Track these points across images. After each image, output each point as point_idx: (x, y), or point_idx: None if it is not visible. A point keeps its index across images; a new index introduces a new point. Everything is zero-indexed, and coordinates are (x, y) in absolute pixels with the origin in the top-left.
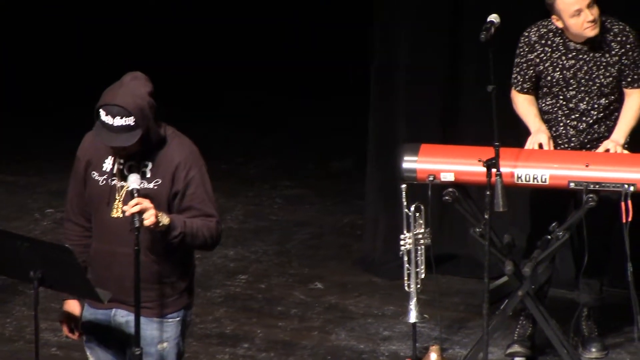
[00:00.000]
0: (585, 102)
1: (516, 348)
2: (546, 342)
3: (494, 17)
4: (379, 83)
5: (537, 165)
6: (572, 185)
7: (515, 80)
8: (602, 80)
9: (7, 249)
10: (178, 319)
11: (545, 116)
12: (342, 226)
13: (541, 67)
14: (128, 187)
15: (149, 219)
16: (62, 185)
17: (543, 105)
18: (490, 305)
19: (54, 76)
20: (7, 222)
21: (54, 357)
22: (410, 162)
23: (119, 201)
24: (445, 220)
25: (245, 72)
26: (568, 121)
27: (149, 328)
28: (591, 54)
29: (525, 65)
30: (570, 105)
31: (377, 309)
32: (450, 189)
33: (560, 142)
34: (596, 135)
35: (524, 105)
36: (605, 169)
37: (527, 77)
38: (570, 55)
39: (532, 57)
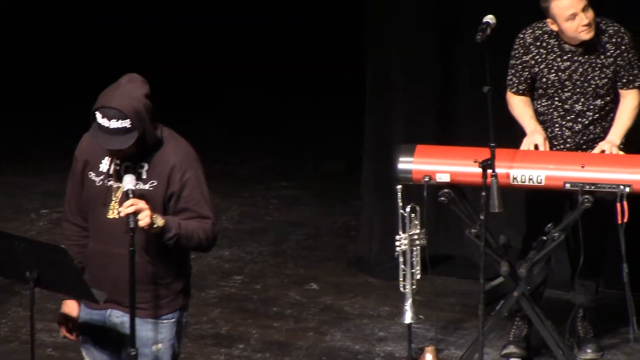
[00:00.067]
0: (580, 104)
1: (512, 349)
2: (542, 343)
3: (489, 18)
4: (374, 84)
5: (532, 166)
6: (567, 186)
7: (511, 82)
8: (598, 81)
9: (3, 249)
10: (173, 320)
11: (540, 117)
12: (337, 227)
13: (536, 69)
14: (123, 188)
15: (143, 219)
16: (58, 185)
17: (538, 106)
18: (485, 306)
19: (54, 76)
20: (3, 223)
21: (50, 357)
22: (405, 163)
23: (115, 202)
24: (441, 221)
25: (244, 72)
26: (564, 122)
27: (144, 329)
28: (586, 56)
29: (520, 67)
30: (566, 106)
31: (373, 310)
32: (445, 190)
33: (555, 143)
34: (592, 136)
35: (520, 107)
36: (601, 170)
37: (522, 78)
38: (565, 57)
39: (527, 59)
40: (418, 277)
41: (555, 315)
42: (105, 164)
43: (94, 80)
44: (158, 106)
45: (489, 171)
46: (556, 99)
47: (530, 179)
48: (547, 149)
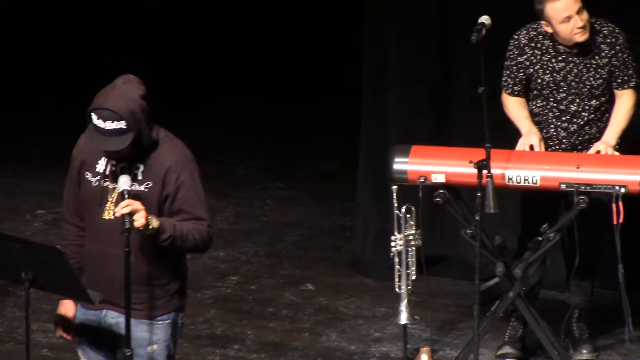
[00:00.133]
0: (575, 104)
1: (507, 349)
2: (537, 343)
3: (485, 19)
4: (370, 84)
5: (528, 167)
6: (563, 186)
7: (506, 83)
8: (593, 82)
9: None
10: (168, 321)
11: (535, 118)
12: (332, 227)
13: (531, 70)
14: (119, 189)
15: (139, 220)
16: (54, 186)
17: (534, 107)
18: (481, 307)
19: (54, 76)
20: None
21: (45, 358)
22: (401, 164)
23: (111, 203)
24: (436, 222)
25: (243, 72)
26: (559, 123)
27: (139, 330)
28: (581, 57)
29: (515, 68)
30: (561, 107)
31: (368, 310)
32: (441, 191)
33: (551, 143)
34: (587, 136)
35: (515, 108)
36: (596, 170)
37: (517, 79)
38: (560, 58)
39: (522, 59)
40: (413, 277)
41: (550, 315)
42: (101, 165)
43: (94, 80)
44: (157, 106)
45: (485, 172)
46: (551, 99)
47: (525, 180)
48: (543, 149)
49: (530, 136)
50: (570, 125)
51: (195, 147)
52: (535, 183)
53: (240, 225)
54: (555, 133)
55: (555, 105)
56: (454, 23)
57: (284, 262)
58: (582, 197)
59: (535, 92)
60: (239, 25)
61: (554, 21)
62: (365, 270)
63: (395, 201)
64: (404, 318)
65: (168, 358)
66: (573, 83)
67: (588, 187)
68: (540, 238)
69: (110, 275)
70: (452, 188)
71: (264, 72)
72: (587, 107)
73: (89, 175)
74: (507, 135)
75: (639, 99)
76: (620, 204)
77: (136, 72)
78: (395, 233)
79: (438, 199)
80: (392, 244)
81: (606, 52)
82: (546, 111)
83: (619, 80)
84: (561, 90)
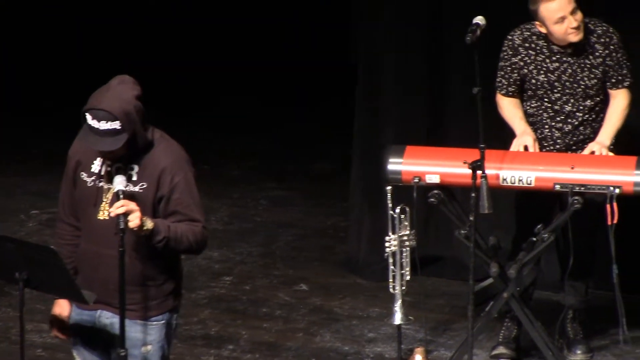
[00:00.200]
0: (570, 104)
1: (501, 350)
2: (531, 344)
3: (479, 20)
4: (364, 84)
5: (522, 167)
6: (557, 187)
7: (500, 84)
8: (587, 82)
9: None
10: (163, 322)
11: (530, 119)
12: (326, 228)
13: (525, 70)
14: (114, 189)
15: (133, 221)
16: (47, 186)
17: (528, 107)
18: (475, 307)
19: (54, 76)
20: None
21: (39, 358)
22: (395, 164)
23: (106, 203)
24: (431, 222)
25: (243, 72)
26: (553, 123)
27: (133, 330)
28: (575, 57)
29: (509, 68)
30: (555, 107)
31: (362, 311)
32: (435, 191)
33: (545, 144)
34: (582, 137)
35: (509, 108)
36: (591, 171)
37: (511, 80)
38: (554, 58)
39: (516, 60)
40: (407, 278)
41: (544, 316)
42: (96, 165)
43: (94, 80)
44: (156, 106)
45: (479, 172)
46: (545, 100)
47: (520, 180)
48: (537, 150)
49: (524, 137)
50: (564, 126)
51: (191, 147)
52: (530, 183)
53: (234, 226)
54: (549, 133)
55: (549, 105)
56: (449, 23)
57: (278, 262)
58: (577, 197)
59: (529, 92)
60: (239, 25)
61: (548, 21)
62: (359, 271)
63: (389, 202)
64: (398, 318)
65: (162, 359)
66: (567, 83)
67: (582, 188)
68: (534, 238)
69: (105, 275)
70: (447, 188)
71: (264, 72)
72: (581, 108)
73: (84, 176)
74: (502, 136)
75: (633, 99)
76: (615, 204)
77: (136, 72)
78: (390, 233)
79: (432, 200)
80: (387, 244)
81: (600, 51)
82: (540, 112)
83: (613, 80)
84: (555, 91)
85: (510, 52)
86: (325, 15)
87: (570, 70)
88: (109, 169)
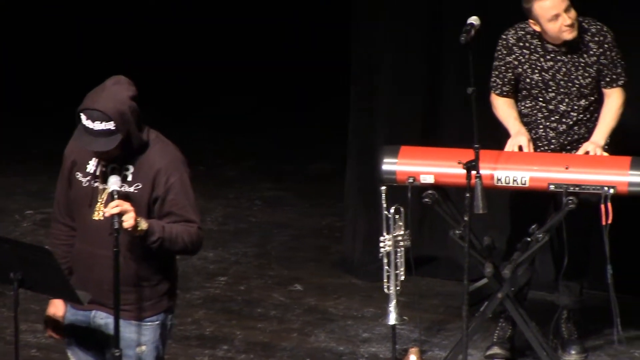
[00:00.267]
0: (564, 104)
1: (496, 350)
2: (526, 344)
3: (474, 20)
4: (358, 85)
5: (517, 168)
6: (552, 187)
7: (495, 84)
8: (581, 80)
9: None
10: (157, 322)
11: (524, 119)
12: (321, 228)
13: (520, 70)
14: (108, 189)
15: (127, 221)
16: (42, 186)
17: (522, 107)
18: (469, 308)
19: (54, 76)
20: None
21: (34, 358)
22: (389, 164)
23: (101, 204)
24: (425, 223)
25: (243, 72)
26: (548, 123)
27: (127, 331)
28: (569, 55)
29: (504, 68)
30: (550, 107)
31: (357, 311)
32: (429, 191)
33: (540, 144)
34: (576, 136)
35: (504, 108)
36: (585, 171)
37: (506, 80)
38: (548, 57)
39: (510, 59)
40: (402, 278)
41: (539, 316)
42: (92, 165)
43: (94, 80)
44: (155, 106)
45: (473, 172)
46: (540, 99)
47: (514, 180)
48: (532, 150)
49: (519, 137)
50: (559, 125)
51: (188, 147)
52: (524, 184)
53: (229, 226)
54: (544, 133)
55: (544, 105)
56: (444, 23)
57: (272, 262)
58: (571, 197)
59: (524, 92)
60: (239, 25)
61: (541, 19)
62: (354, 271)
63: (384, 202)
64: (392, 319)
65: (157, 359)
66: (562, 82)
67: (577, 188)
68: (529, 239)
69: (100, 275)
70: (441, 189)
71: (264, 72)
72: (576, 107)
73: (79, 176)
74: (496, 136)
75: (627, 98)
76: (609, 204)
77: (136, 72)
78: (384, 234)
79: (427, 200)
80: (381, 244)
81: (594, 50)
82: (535, 111)
83: (608, 79)
84: (550, 90)
85: (505, 52)
86: (325, 15)
87: (564, 69)
88: (104, 169)
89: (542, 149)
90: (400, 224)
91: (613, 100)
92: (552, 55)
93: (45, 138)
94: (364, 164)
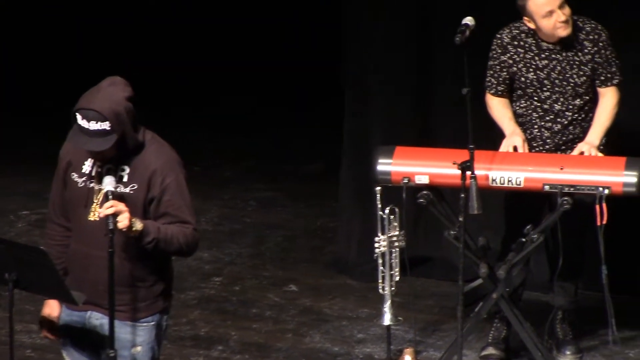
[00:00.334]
0: (559, 103)
1: (490, 350)
2: (520, 344)
3: (468, 20)
4: (353, 85)
5: (511, 168)
6: (546, 188)
7: (489, 83)
8: (576, 79)
9: None
10: (153, 323)
11: (519, 119)
12: (316, 229)
13: (514, 69)
14: (103, 190)
15: (122, 221)
16: (38, 186)
17: (517, 108)
18: (464, 308)
19: (54, 76)
20: None
21: (29, 358)
22: (384, 165)
23: (96, 204)
24: (420, 223)
25: (243, 72)
26: (542, 123)
27: (123, 331)
28: (564, 53)
29: (498, 67)
30: (545, 106)
31: (352, 312)
32: (424, 192)
33: (535, 144)
34: (571, 136)
35: (499, 109)
36: (580, 171)
37: (500, 79)
38: (543, 56)
39: (505, 58)
40: (397, 278)
41: (534, 317)
42: (87, 166)
43: (94, 80)
44: (155, 106)
45: (468, 173)
46: (535, 98)
47: (509, 181)
48: (526, 150)
49: (513, 137)
50: (554, 125)
51: (186, 147)
52: (519, 184)
53: (223, 227)
54: (539, 133)
55: (539, 104)
56: (438, 24)
57: (267, 263)
58: (566, 198)
59: (519, 91)
60: (239, 25)
61: (536, 16)
62: (348, 272)
63: (378, 202)
64: (387, 319)
65: None
66: (557, 81)
67: (572, 189)
68: (523, 239)
69: (95, 276)
70: (436, 189)
71: (264, 72)
72: (570, 107)
73: (75, 176)
74: (491, 137)
75: (622, 97)
76: (604, 205)
77: (136, 72)
78: (379, 234)
79: (422, 200)
80: (376, 245)
81: (589, 48)
82: (530, 111)
83: (602, 78)
84: (545, 89)
85: (499, 51)
86: (325, 15)
87: (559, 68)
88: (99, 169)
89: (537, 149)
90: (395, 224)
91: (607, 100)
92: (546, 53)
93: (42, 139)
94: (358, 165)
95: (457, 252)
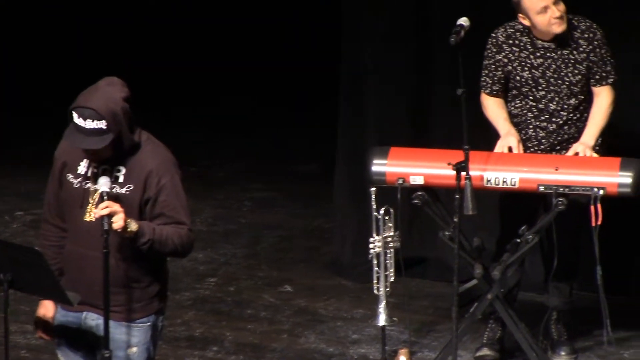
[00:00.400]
0: (555, 103)
1: (485, 351)
2: (515, 345)
3: (463, 21)
4: (348, 86)
5: (506, 169)
6: (541, 188)
7: (485, 83)
8: (571, 78)
9: None
10: (148, 324)
11: (514, 119)
12: (311, 229)
13: (510, 68)
14: (98, 190)
15: (117, 222)
16: (33, 187)
17: (512, 108)
18: (459, 309)
19: (54, 76)
20: None
21: (24, 359)
22: (379, 165)
23: (92, 205)
24: (415, 224)
25: (243, 72)
26: (537, 123)
27: (118, 332)
28: (559, 52)
29: (493, 66)
30: (540, 105)
31: (347, 312)
32: (419, 192)
33: (530, 145)
34: (566, 136)
35: (494, 109)
36: (575, 172)
37: (495, 78)
38: (538, 54)
39: (500, 57)
40: (392, 279)
41: (529, 317)
42: (83, 167)
43: (93, 80)
44: (154, 106)
45: (463, 173)
46: (530, 98)
47: (504, 182)
48: (521, 151)
49: (508, 138)
50: (549, 125)
51: (184, 147)
52: (514, 185)
53: (218, 227)
54: (534, 133)
55: (534, 104)
56: (434, 24)
57: (262, 263)
58: (561, 198)
59: (514, 91)
60: (239, 25)
61: (531, 12)
62: (343, 272)
63: (373, 203)
64: (382, 320)
65: None
66: (552, 80)
67: (566, 189)
68: (518, 240)
69: (90, 277)
70: (431, 190)
71: (263, 72)
72: (565, 106)
73: (70, 177)
74: (486, 137)
75: (617, 97)
76: (599, 205)
77: (136, 72)
78: (374, 235)
79: (416, 201)
80: (371, 245)
81: (584, 47)
82: (525, 111)
83: (597, 77)
84: (540, 88)
85: (494, 50)
86: (325, 16)
87: (554, 66)
88: (95, 170)
89: (532, 149)
90: (390, 225)
91: (602, 99)
92: (541, 52)
93: (38, 138)
94: (353, 165)
95: (452, 253)
